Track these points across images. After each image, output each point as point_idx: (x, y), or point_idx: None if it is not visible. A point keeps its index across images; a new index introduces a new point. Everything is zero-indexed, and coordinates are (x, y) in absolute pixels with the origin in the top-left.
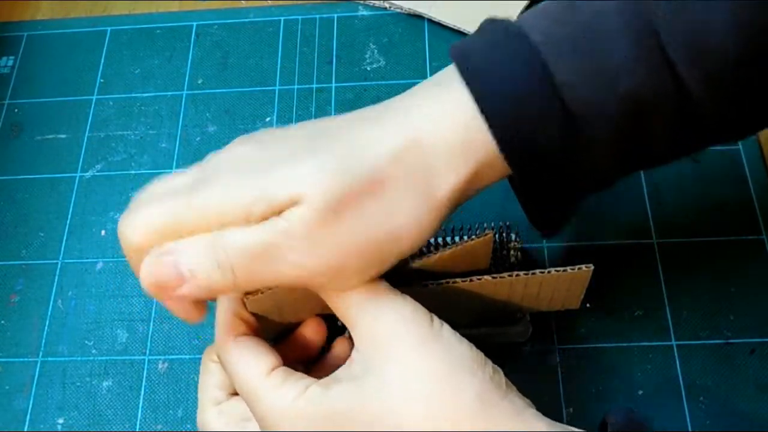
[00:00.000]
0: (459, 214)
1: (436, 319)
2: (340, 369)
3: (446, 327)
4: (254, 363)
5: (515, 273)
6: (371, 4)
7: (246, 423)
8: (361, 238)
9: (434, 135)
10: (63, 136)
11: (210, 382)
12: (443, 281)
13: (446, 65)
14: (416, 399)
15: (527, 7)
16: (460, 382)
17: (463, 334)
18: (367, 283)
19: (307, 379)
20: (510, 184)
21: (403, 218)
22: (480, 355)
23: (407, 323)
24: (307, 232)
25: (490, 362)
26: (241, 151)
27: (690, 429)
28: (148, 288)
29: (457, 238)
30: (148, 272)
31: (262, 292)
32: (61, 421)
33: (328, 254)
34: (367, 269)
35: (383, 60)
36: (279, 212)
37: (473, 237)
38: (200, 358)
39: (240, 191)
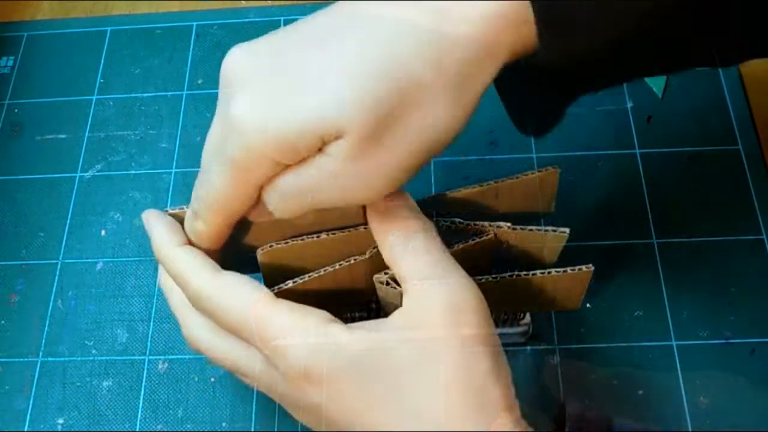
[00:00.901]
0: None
1: (484, 307)
2: (381, 322)
3: (492, 323)
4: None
5: (515, 273)
6: None
7: (239, 341)
8: (404, 155)
9: (466, 24)
10: (63, 136)
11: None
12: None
13: None
14: (445, 396)
15: None
16: (490, 394)
17: None
18: (431, 244)
19: (321, 311)
20: (499, 89)
21: (442, 123)
22: (507, 365)
23: (462, 315)
24: (353, 166)
25: (510, 374)
26: (259, 73)
27: (690, 429)
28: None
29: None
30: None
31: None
32: (61, 421)
33: (374, 180)
34: (409, 176)
35: None
36: (319, 147)
37: (474, 238)
38: (200, 359)
39: (277, 134)
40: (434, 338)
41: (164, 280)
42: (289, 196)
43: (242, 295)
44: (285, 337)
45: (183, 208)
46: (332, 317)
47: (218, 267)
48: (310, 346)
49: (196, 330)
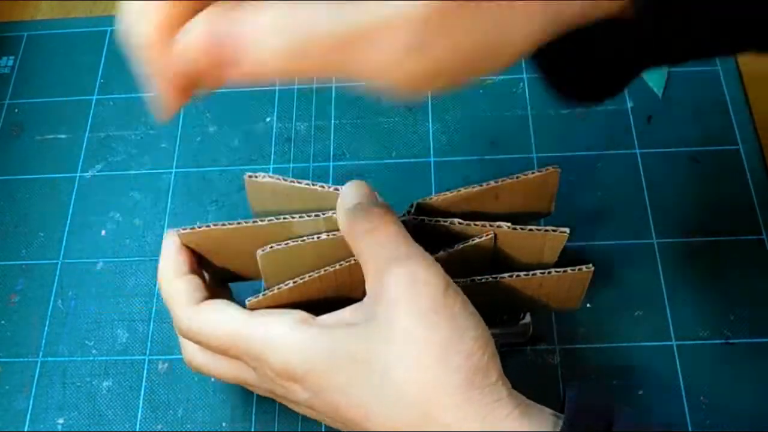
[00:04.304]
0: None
1: (452, 286)
2: (348, 311)
3: (459, 298)
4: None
5: (515, 273)
6: None
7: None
8: (468, 45)
9: None
10: (63, 136)
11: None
12: None
13: None
14: (411, 365)
15: None
16: (452, 362)
17: None
18: (390, 233)
19: (294, 312)
20: (537, 62)
21: (516, 36)
22: (485, 334)
23: (419, 286)
24: (418, 22)
25: (492, 344)
26: None
27: (690, 429)
28: (187, 60)
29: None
30: (201, 41)
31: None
32: (61, 421)
33: (432, 54)
34: (458, 81)
35: None
36: None
37: (474, 238)
38: None
39: None
40: (396, 311)
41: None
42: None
43: (220, 322)
44: (264, 347)
45: (194, 228)
46: (304, 315)
47: (202, 296)
48: (285, 348)
49: (194, 354)
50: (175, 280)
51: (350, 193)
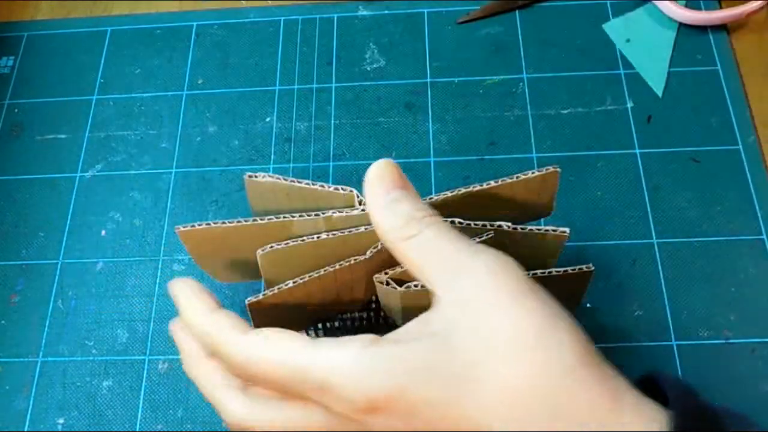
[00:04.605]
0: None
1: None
2: (411, 326)
3: (537, 282)
4: (282, 333)
5: None
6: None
7: (287, 400)
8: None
9: None
10: (63, 136)
11: (214, 370)
12: None
13: (445, 65)
14: (515, 359)
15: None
16: (558, 342)
17: None
18: (442, 231)
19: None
20: None
21: None
22: (570, 314)
23: (497, 276)
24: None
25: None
26: None
27: None
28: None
29: None
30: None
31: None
32: (61, 421)
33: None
34: None
35: (383, 60)
36: None
37: (474, 238)
38: None
39: None
40: (482, 308)
41: (189, 366)
42: None
43: (277, 350)
44: (331, 374)
45: (194, 226)
46: (371, 336)
47: (245, 324)
48: (360, 372)
49: (238, 409)
50: (211, 313)
51: (378, 181)
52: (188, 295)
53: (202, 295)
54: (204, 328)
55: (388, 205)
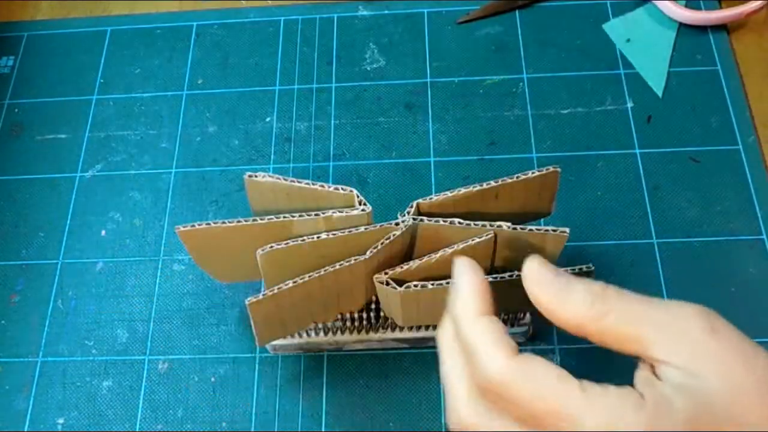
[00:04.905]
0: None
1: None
2: (656, 391)
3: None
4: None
5: (515, 273)
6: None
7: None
8: None
9: None
10: (63, 136)
11: (463, 365)
12: (444, 281)
13: (445, 65)
14: (760, 403)
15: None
16: None
17: None
18: (634, 298)
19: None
20: None
21: None
22: None
23: (717, 334)
24: None
25: None
26: None
27: None
28: None
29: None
30: None
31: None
32: (61, 421)
33: None
34: None
35: (383, 60)
36: None
37: (474, 238)
38: (200, 359)
39: None
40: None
41: (444, 340)
42: None
43: (547, 383)
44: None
45: (194, 226)
46: (636, 394)
47: (514, 345)
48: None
49: (470, 416)
50: (479, 318)
51: (539, 274)
52: (469, 286)
53: (485, 293)
54: (467, 330)
55: (560, 294)
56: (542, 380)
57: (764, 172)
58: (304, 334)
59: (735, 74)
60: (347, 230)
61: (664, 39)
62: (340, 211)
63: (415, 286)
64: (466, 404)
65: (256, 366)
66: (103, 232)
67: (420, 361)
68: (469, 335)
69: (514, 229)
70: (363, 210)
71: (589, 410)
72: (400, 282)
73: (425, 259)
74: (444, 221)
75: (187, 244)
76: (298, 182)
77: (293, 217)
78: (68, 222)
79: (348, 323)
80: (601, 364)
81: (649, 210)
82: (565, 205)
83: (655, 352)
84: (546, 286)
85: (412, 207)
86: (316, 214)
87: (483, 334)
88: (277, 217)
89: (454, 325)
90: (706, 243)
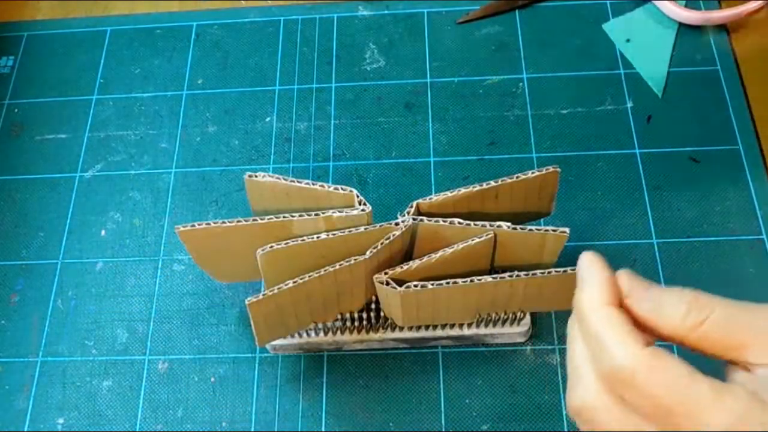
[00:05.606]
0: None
1: None
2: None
3: None
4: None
5: (515, 273)
6: None
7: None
8: None
9: None
10: (63, 136)
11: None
12: (444, 281)
13: (445, 65)
14: None
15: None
16: None
17: (464, 334)
18: (729, 303)
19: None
20: None
21: None
22: None
23: None
24: None
25: None
26: None
27: None
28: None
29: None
30: None
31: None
32: (61, 421)
33: None
34: None
35: (383, 60)
36: None
37: (474, 238)
38: (200, 359)
39: None
40: None
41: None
42: None
43: (679, 377)
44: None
45: (194, 226)
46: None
47: (647, 337)
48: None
49: (593, 400)
50: (607, 306)
51: (631, 284)
52: (597, 278)
53: (612, 285)
54: (593, 320)
55: (653, 303)
56: (675, 373)
57: (764, 172)
58: (304, 334)
59: (735, 74)
60: (347, 230)
61: (664, 39)
62: (340, 211)
63: (415, 286)
64: (594, 388)
65: (256, 366)
66: (103, 232)
67: (420, 361)
68: (596, 324)
69: (514, 229)
70: (363, 210)
71: (719, 406)
72: (400, 282)
73: (425, 259)
74: (444, 221)
75: (187, 244)
76: (298, 182)
77: (293, 217)
78: (68, 222)
79: (348, 323)
80: None
81: (649, 210)
82: (565, 205)
83: (751, 356)
84: (641, 302)
85: (411, 207)
86: (316, 214)
87: (613, 325)
88: (277, 217)
89: (578, 317)
90: (706, 243)
